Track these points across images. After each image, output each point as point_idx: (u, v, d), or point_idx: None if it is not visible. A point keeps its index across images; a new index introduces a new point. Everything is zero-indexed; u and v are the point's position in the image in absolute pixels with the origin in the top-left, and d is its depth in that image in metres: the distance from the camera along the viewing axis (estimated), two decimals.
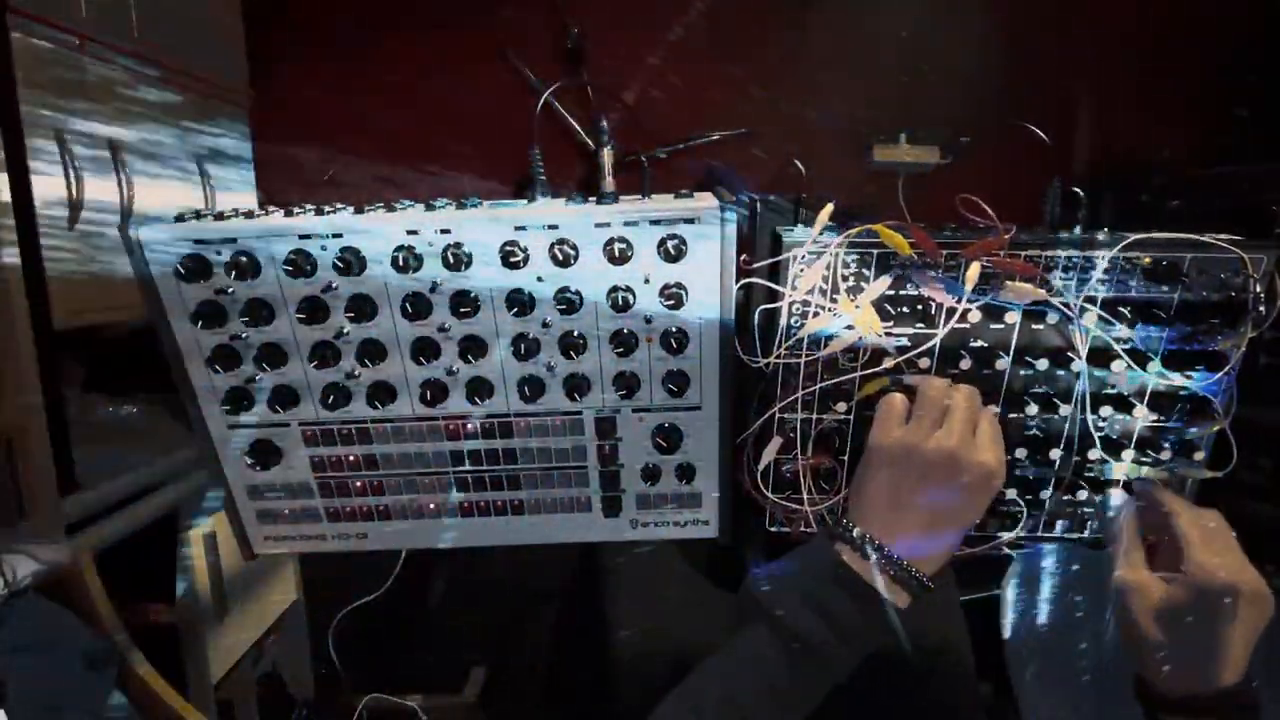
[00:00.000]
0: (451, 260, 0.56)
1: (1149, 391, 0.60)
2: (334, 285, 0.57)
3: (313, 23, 0.96)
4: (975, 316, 0.58)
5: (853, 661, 0.51)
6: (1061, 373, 0.60)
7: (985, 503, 0.53)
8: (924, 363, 0.60)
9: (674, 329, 0.59)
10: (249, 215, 0.57)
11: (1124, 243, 0.56)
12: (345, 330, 0.58)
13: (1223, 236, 0.57)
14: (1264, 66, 0.80)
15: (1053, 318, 0.58)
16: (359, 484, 0.65)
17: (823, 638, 0.50)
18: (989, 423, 0.54)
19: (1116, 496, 0.61)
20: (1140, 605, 0.50)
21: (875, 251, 0.57)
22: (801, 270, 0.58)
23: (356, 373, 0.60)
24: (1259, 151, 0.67)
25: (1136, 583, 0.51)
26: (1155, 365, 0.59)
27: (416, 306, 0.57)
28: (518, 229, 0.56)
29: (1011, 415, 0.62)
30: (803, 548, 0.55)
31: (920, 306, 0.59)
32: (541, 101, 0.78)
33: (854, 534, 0.52)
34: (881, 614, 0.51)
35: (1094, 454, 0.62)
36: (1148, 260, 0.57)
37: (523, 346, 0.58)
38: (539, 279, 0.57)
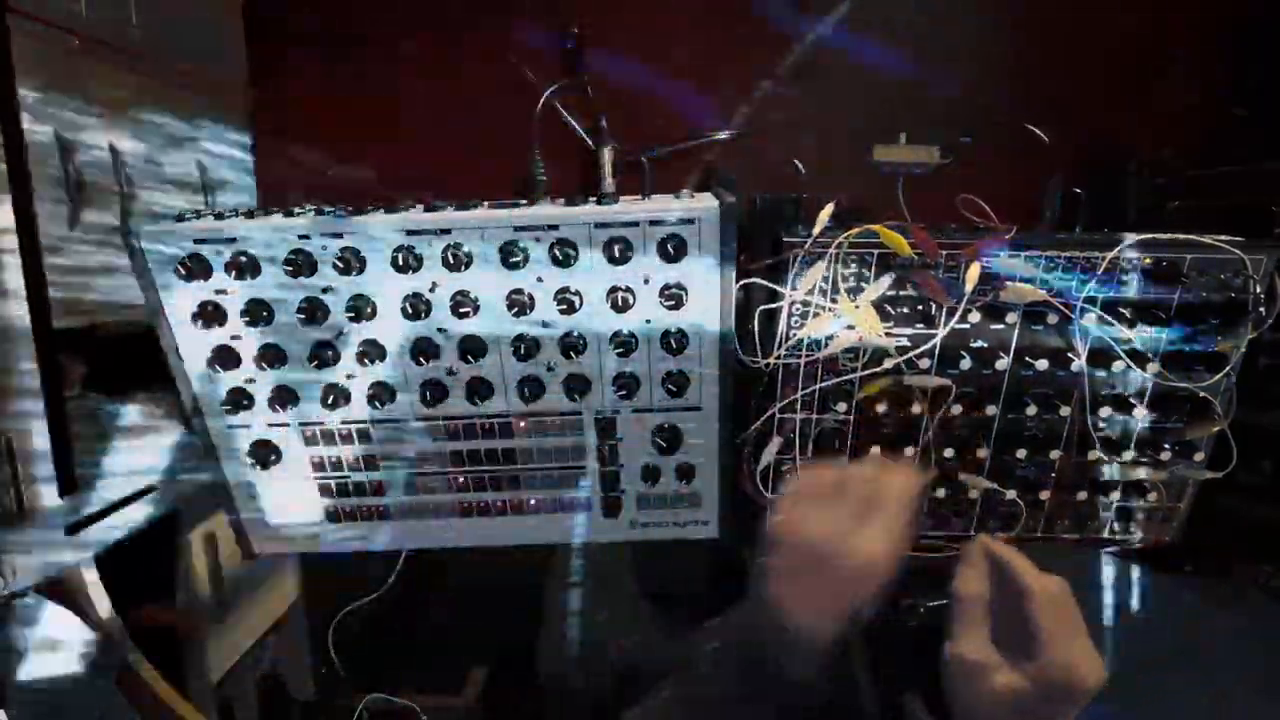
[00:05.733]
0: (451, 260, 0.56)
1: (1149, 392, 0.60)
2: (334, 285, 0.57)
3: (313, 23, 0.96)
4: (975, 316, 0.58)
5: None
6: (1061, 373, 0.60)
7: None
8: (924, 363, 0.60)
9: (674, 329, 0.59)
10: (249, 215, 0.57)
11: (1124, 243, 0.56)
12: (345, 330, 0.58)
13: (1223, 237, 0.57)
14: (1264, 66, 0.80)
15: (1053, 318, 0.58)
16: (359, 484, 0.65)
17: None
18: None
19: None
20: (981, 688, 0.44)
21: (875, 251, 0.58)
22: (801, 270, 0.58)
23: (356, 373, 0.60)
24: (1259, 151, 0.67)
25: (977, 663, 0.45)
26: (1155, 366, 0.59)
27: (416, 306, 0.57)
28: (518, 229, 0.56)
29: (1011, 415, 0.62)
30: None
31: (920, 306, 0.59)
32: (542, 101, 0.78)
33: None
34: None
35: (1094, 454, 0.62)
36: (1148, 261, 0.57)
37: (523, 347, 0.58)
38: (539, 279, 0.57)
